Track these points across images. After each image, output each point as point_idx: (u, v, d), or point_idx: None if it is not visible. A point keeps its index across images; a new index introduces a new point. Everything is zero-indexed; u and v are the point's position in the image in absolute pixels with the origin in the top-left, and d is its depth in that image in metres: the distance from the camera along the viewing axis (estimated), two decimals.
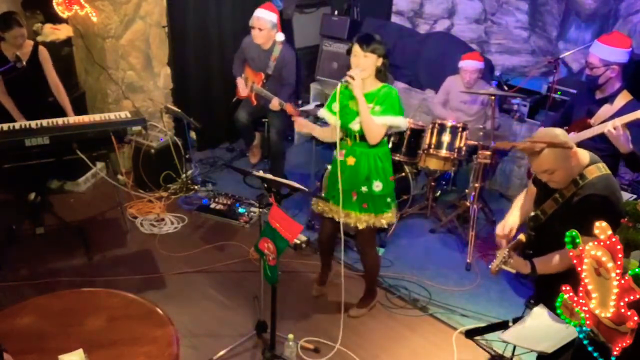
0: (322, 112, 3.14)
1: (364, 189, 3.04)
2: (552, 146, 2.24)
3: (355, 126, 2.98)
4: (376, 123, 2.92)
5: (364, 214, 3.08)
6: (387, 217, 3.14)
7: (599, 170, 2.34)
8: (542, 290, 2.73)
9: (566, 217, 2.36)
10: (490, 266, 2.54)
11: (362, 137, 3.00)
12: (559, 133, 2.33)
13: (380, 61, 2.92)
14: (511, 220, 2.68)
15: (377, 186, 3.04)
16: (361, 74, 2.89)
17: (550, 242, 2.42)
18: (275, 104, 4.52)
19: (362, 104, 2.89)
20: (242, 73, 4.76)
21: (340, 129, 3.02)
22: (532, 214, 2.57)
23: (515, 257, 2.49)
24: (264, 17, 4.41)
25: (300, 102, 4.64)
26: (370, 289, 3.49)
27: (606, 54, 3.09)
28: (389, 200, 3.13)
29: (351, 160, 3.05)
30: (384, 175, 3.05)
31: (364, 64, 2.89)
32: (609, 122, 2.98)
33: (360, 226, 3.09)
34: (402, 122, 2.98)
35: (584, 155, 2.38)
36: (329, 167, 3.19)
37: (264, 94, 4.60)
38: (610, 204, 2.27)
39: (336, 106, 2.96)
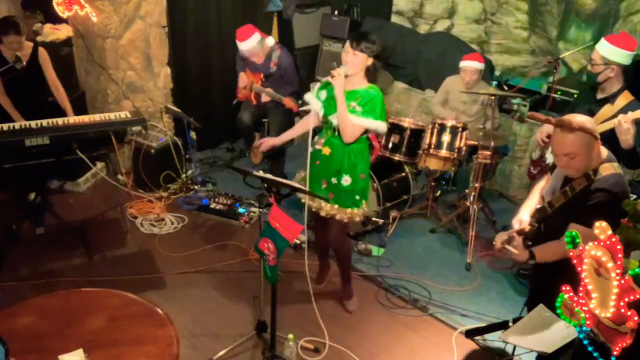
0: (308, 96, 3.18)
1: (334, 180, 3.11)
2: (582, 131, 2.24)
3: (334, 120, 3.04)
4: (352, 123, 2.96)
5: (328, 203, 3.13)
6: (352, 213, 3.15)
7: (613, 168, 2.33)
8: (537, 292, 2.71)
9: (572, 210, 2.35)
10: (494, 243, 2.53)
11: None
12: (587, 120, 2.32)
13: (370, 61, 2.94)
14: (524, 215, 2.67)
15: (346, 180, 3.09)
16: (347, 71, 2.92)
17: (552, 236, 2.41)
18: (265, 96, 4.56)
19: (340, 103, 2.94)
20: (245, 70, 4.77)
21: (323, 118, 3.11)
22: (539, 206, 2.56)
23: (519, 240, 2.48)
24: (249, 47, 4.40)
25: (300, 102, 4.64)
26: (345, 276, 3.50)
27: (608, 52, 3.09)
28: (357, 197, 3.15)
29: (327, 151, 3.12)
30: (355, 172, 3.10)
31: (351, 61, 2.92)
32: (620, 115, 2.96)
33: (322, 214, 3.15)
34: (380, 127, 3.01)
35: (604, 151, 2.38)
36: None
37: (263, 92, 4.60)
38: (616, 201, 2.24)
39: (324, 94, 3.07)
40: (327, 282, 3.68)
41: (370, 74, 2.99)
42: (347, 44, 2.94)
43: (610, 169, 2.33)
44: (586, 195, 2.32)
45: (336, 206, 3.14)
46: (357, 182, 3.11)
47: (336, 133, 3.08)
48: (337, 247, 3.41)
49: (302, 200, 3.16)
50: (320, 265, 3.66)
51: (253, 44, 4.40)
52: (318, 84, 3.05)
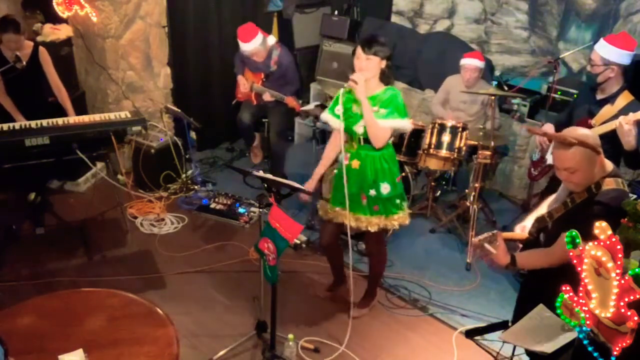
0: (325, 116, 3.08)
1: (372, 192, 3.02)
2: (582, 145, 2.19)
3: (359, 129, 2.95)
4: (380, 126, 2.90)
5: (375, 216, 3.06)
6: (398, 219, 3.10)
7: (617, 184, 2.27)
8: (528, 292, 2.70)
9: (569, 222, 2.33)
10: (473, 239, 2.49)
11: (367, 140, 2.97)
12: (590, 134, 2.27)
13: (384, 63, 2.89)
14: (528, 223, 2.64)
15: (385, 188, 3.01)
16: (364, 76, 2.87)
17: (549, 246, 2.40)
18: (267, 96, 4.54)
19: (366, 108, 2.87)
20: (243, 72, 4.77)
21: (344, 132, 3.01)
22: (539, 215, 2.55)
23: (502, 243, 2.45)
24: (252, 47, 4.41)
25: (300, 102, 4.64)
26: (372, 289, 3.49)
27: (608, 53, 3.09)
28: (397, 201, 3.09)
29: (356, 164, 3.02)
30: (391, 177, 3.03)
31: (366, 66, 2.86)
32: (621, 117, 2.96)
33: (372, 229, 3.07)
34: (406, 125, 2.98)
35: (609, 166, 2.32)
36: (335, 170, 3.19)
37: (264, 92, 4.60)
38: (612, 216, 2.21)
39: (339, 109, 2.97)
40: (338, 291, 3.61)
41: (386, 77, 2.94)
42: (358, 49, 2.87)
43: (613, 183, 2.26)
44: (585, 208, 2.29)
45: (384, 217, 3.06)
46: (395, 187, 3.04)
47: (362, 142, 3.00)
48: (375, 257, 3.37)
49: (345, 221, 3.06)
50: (333, 274, 3.57)
51: (256, 45, 4.40)
52: (341, 91, 2.93)
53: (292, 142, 5.82)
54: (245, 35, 4.40)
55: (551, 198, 2.69)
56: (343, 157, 3.06)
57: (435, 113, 4.67)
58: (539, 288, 2.45)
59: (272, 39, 4.59)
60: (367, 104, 2.87)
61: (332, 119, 3.04)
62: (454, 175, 4.88)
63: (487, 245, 2.43)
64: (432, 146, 4.19)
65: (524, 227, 2.64)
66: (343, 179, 3.00)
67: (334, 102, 3.05)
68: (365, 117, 2.89)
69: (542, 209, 2.68)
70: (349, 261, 3.88)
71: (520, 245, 2.65)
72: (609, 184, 2.27)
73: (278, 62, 4.57)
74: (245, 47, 4.42)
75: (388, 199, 3.04)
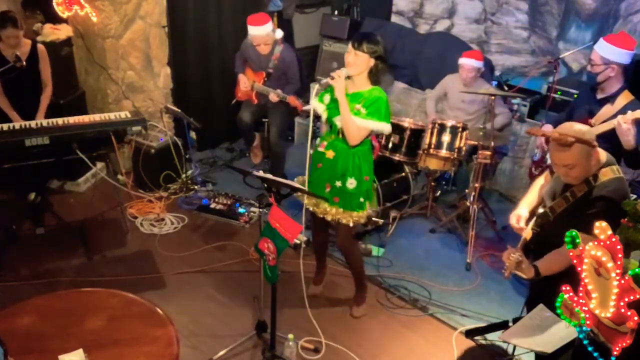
0: (313, 102, 3.11)
1: (338, 183, 3.07)
2: (579, 142, 2.23)
3: (338, 122, 3.01)
4: (357, 125, 2.93)
5: (333, 207, 3.11)
6: (357, 216, 3.13)
7: (613, 172, 2.32)
8: (537, 292, 2.71)
9: (573, 215, 2.35)
10: (503, 271, 2.50)
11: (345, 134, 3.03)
12: (585, 130, 2.31)
13: (372, 62, 2.91)
14: (522, 211, 2.66)
15: (351, 183, 3.06)
16: (348, 72, 2.91)
17: (554, 241, 2.40)
18: (273, 96, 4.53)
19: (343, 106, 2.92)
20: (244, 71, 4.77)
21: (326, 122, 3.09)
22: (541, 210, 2.56)
23: (525, 262, 2.47)
24: (262, 33, 4.41)
25: (301, 101, 4.64)
26: (358, 284, 3.49)
27: (608, 52, 3.09)
28: (361, 200, 3.11)
29: (330, 154, 3.08)
30: (359, 174, 3.07)
31: (353, 62, 2.90)
32: (619, 116, 2.96)
33: (328, 218, 3.14)
34: (385, 128, 2.98)
35: (603, 155, 2.37)
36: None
37: (266, 91, 4.60)
38: (617, 209, 2.22)
39: (327, 97, 3.05)
40: (324, 282, 3.67)
41: (373, 75, 2.96)
42: (349, 44, 2.92)
43: (609, 173, 2.32)
44: (587, 202, 2.31)
45: (341, 210, 3.10)
46: (361, 185, 3.08)
47: (340, 136, 3.04)
48: (346, 252, 3.39)
49: (305, 202, 3.13)
50: (317, 266, 3.65)
51: (267, 30, 4.41)
52: (317, 87, 3.02)
53: (292, 142, 5.82)
54: (257, 19, 4.40)
55: (539, 183, 2.71)
56: (319, 142, 3.16)
57: (426, 105, 4.66)
58: (545, 288, 2.46)
59: (279, 33, 4.58)
60: (344, 101, 2.91)
61: (318, 105, 3.10)
62: (454, 175, 4.88)
63: (517, 272, 2.45)
64: (432, 146, 4.19)
65: (519, 216, 2.65)
66: (315, 164, 3.12)
67: (325, 90, 3.09)
68: (341, 115, 2.94)
69: (533, 195, 2.71)
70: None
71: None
72: (606, 174, 2.32)
73: (280, 58, 4.57)
74: (257, 30, 4.40)
75: (351, 195, 3.09)
